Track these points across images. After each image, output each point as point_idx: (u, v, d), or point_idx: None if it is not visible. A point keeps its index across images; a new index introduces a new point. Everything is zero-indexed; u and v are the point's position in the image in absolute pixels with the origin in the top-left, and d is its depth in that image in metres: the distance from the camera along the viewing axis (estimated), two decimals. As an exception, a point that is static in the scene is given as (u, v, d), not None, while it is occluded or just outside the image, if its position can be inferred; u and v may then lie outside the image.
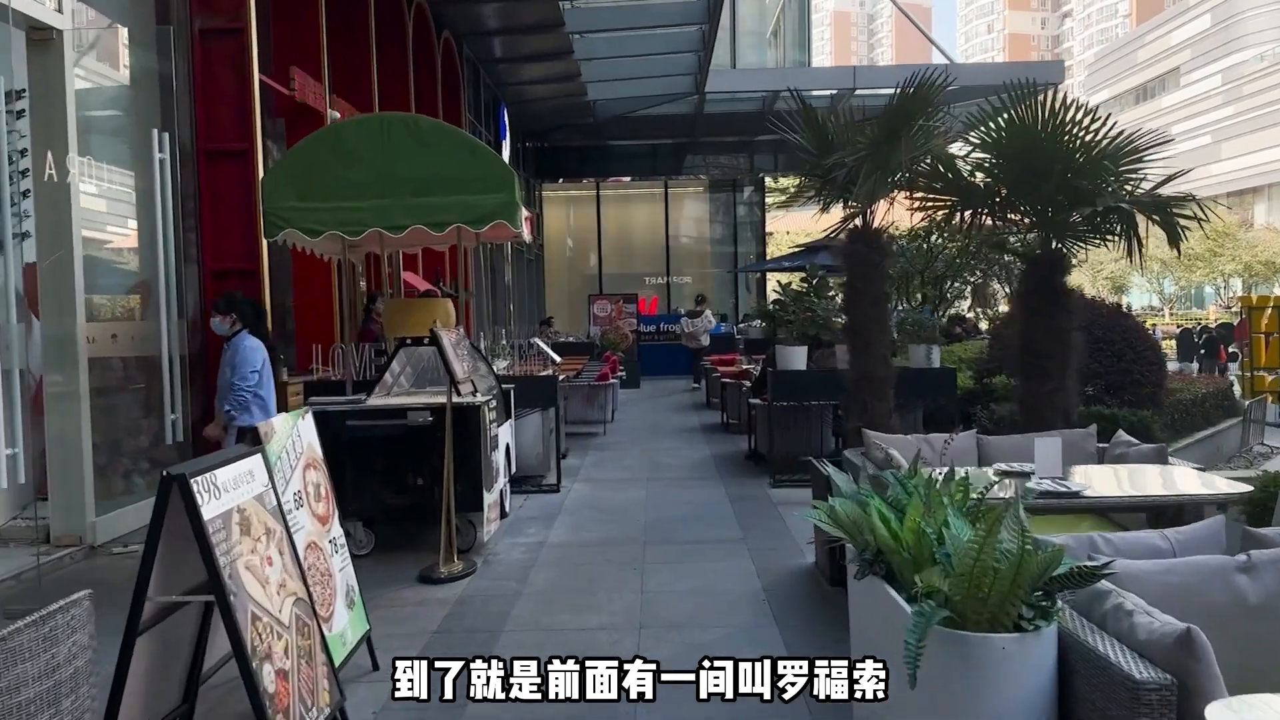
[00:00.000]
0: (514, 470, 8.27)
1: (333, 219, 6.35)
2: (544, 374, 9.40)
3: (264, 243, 8.21)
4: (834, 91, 24.78)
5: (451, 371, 5.88)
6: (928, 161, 5.88)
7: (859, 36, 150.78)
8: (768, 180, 32.04)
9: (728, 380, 13.07)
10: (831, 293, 18.88)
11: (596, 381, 12.82)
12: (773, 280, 33.28)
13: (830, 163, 5.79)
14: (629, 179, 30.06)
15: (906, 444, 5.46)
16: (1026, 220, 5.87)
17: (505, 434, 7.71)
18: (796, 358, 9.05)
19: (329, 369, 8.13)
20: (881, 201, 5.92)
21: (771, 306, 19.45)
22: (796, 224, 47.58)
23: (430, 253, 16.28)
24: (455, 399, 6.19)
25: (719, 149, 29.00)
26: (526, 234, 8.01)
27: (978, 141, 5.68)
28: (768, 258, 29.99)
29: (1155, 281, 58.24)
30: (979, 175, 5.77)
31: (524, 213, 7.46)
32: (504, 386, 8.10)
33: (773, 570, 5.99)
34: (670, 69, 22.13)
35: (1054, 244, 5.70)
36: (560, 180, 30.03)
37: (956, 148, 6.11)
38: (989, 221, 5.90)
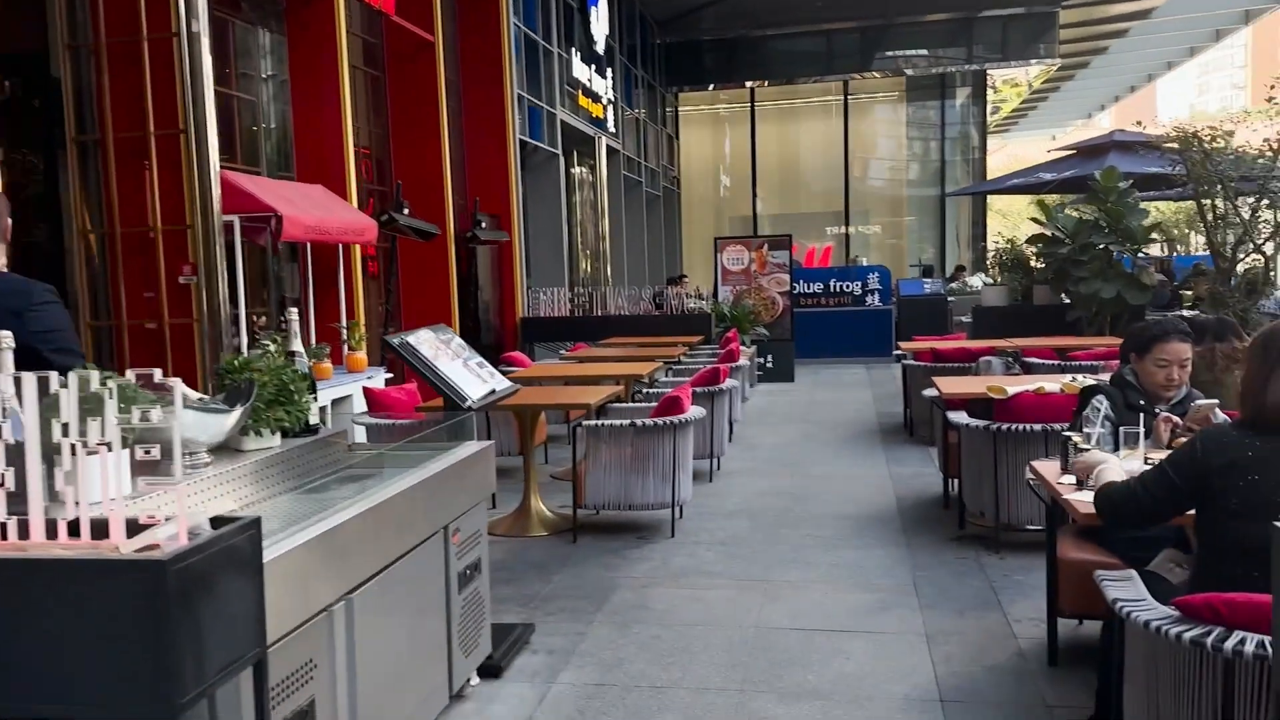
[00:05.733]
0: None
1: None
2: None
3: None
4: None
5: None
6: None
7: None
8: (991, 81, 23.39)
9: (957, 417, 5.52)
10: (1149, 221, 10.20)
11: (654, 418, 5.61)
12: (999, 216, 24.58)
13: None
14: (794, 81, 22.00)
15: None
16: None
17: None
18: None
19: None
20: None
21: (1034, 248, 11.14)
22: (1021, 156, 37.44)
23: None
24: None
25: (922, 36, 20.59)
26: None
27: None
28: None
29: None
30: None
31: None
32: None
33: None
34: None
35: None
36: (709, 86, 22.30)
37: None
38: None
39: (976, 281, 16.50)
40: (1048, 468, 3.57)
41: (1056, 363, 8.06)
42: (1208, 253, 10.04)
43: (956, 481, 5.85)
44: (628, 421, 5.62)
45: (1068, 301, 10.00)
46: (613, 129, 15.61)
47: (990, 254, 14.05)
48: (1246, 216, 8.56)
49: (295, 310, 3.50)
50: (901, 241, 23.96)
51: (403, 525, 2.90)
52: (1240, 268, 8.88)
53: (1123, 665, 2.60)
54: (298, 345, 3.49)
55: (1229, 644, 2.07)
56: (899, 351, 9.84)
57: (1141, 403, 3.72)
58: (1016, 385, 5.42)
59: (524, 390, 6.79)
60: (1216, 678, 2.14)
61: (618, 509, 5.72)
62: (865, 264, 17.87)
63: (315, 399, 3.33)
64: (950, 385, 6.20)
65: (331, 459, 3.39)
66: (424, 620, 3.09)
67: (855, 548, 5.37)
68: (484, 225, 9.69)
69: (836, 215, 22.94)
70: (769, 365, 12.92)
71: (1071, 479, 3.28)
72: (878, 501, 6.39)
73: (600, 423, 5.62)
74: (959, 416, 5.51)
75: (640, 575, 4.97)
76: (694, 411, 5.83)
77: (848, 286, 15.08)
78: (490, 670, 3.66)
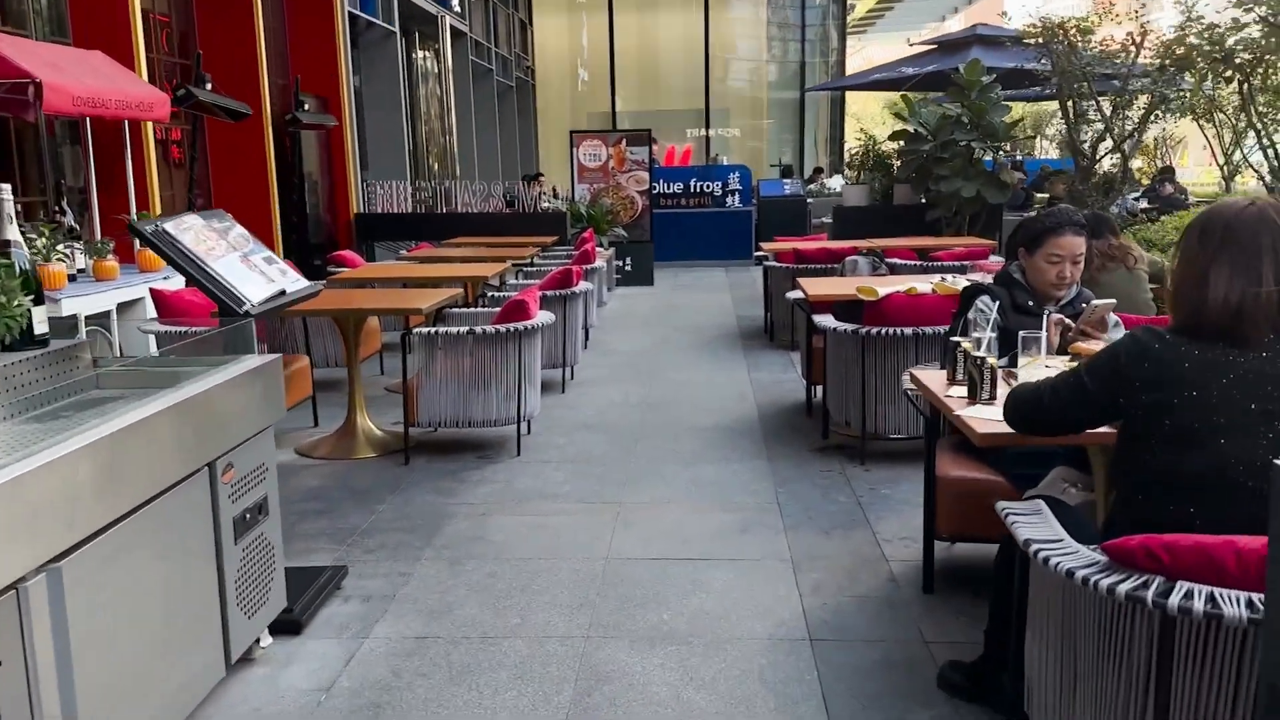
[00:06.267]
0: None
1: None
2: None
3: None
4: None
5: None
6: None
7: None
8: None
9: (823, 320, 5.12)
10: (1011, 118, 9.85)
11: (497, 325, 5.01)
12: (855, 120, 24.49)
13: None
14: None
15: None
16: None
17: None
18: None
19: None
20: None
21: (893, 148, 10.83)
22: (877, 59, 37.60)
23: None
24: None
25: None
26: None
27: None
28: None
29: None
30: None
31: None
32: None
33: None
34: None
35: None
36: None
37: None
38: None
39: (834, 183, 16.33)
40: (932, 377, 3.18)
41: (918, 263, 7.84)
42: (1051, 156, 10.02)
43: (820, 388, 5.51)
44: (466, 329, 4.99)
45: (926, 201, 9.81)
46: (458, 8, 14.43)
47: (850, 151, 13.80)
48: (1108, 112, 8.47)
49: (8, 186, 2.69)
50: (761, 144, 23.63)
51: (143, 465, 2.24)
52: (1100, 166, 8.83)
53: (1024, 610, 2.23)
54: (13, 233, 2.70)
55: (1174, 599, 1.68)
56: (760, 253, 9.46)
57: (1030, 304, 3.36)
58: (887, 286, 5.05)
59: (350, 293, 6.05)
60: (1151, 637, 1.76)
61: (456, 427, 5.12)
62: (726, 163, 17.40)
63: (41, 301, 2.59)
64: (817, 287, 5.80)
65: (66, 379, 2.67)
66: (183, 581, 2.45)
67: (715, 462, 4.97)
68: (307, 107, 8.65)
69: (697, 115, 22.30)
70: (627, 268, 12.39)
71: (961, 391, 2.88)
72: (738, 411, 6.01)
73: (435, 330, 4.96)
74: (825, 320, 5.12)
75: (478, 501, 4.42)
76: (541, 317, 5.24)
77: (708, 187, 14.60)
78: (289, 626, 3.07)
